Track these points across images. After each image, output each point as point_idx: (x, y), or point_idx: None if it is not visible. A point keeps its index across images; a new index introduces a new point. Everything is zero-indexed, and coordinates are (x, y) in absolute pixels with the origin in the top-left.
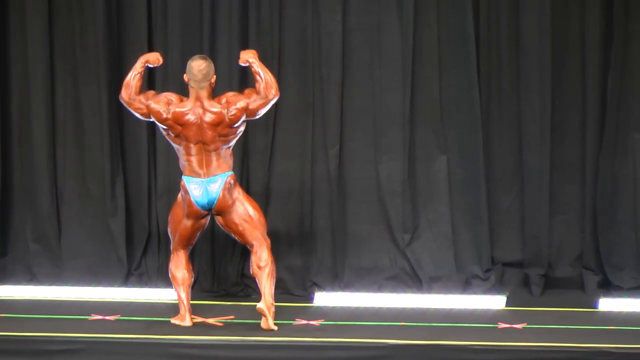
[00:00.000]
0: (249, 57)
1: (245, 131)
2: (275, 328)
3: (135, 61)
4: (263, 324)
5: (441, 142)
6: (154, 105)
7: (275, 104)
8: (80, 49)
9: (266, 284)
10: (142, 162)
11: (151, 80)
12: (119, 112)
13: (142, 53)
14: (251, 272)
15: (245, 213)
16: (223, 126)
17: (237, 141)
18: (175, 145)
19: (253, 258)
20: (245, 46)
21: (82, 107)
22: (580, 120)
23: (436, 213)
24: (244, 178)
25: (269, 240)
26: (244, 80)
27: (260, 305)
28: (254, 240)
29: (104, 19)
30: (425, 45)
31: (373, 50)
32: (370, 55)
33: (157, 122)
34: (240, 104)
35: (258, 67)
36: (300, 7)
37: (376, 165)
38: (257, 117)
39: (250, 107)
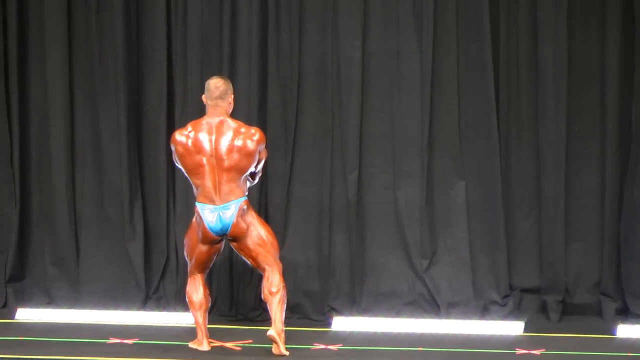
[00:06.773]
0: None
1: None
2: (287, 353)
3: (154, 86)
4: (275, 350)
5: (459, 168)
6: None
7: (295, 129)
8: (99, 74)
9: (277, 310)
10: (161, 186)
11: (170, 107)
12: (138, 137)
13: (162, 78)
14: (262, 296)
15: (258, 237)
16: (238, 147)
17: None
18: (190, 178)
19: (265, 283)
20: (264, 72)
21: (101, 131)
22: (599, 147)
23: (454, 239)
24: (262, 203)
25: (280, 265)
26: (262, 106)
27: (270, 332)
28: (267, 265)
29: (124, 43)
30: (444, 72)
31: (392, 77)
32: (389, 82)
33: (177, 157)
34: (260, 146)
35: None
36: (320, 33)
37: (394, 191)
38: (250, 165)
39: (261, 155)
